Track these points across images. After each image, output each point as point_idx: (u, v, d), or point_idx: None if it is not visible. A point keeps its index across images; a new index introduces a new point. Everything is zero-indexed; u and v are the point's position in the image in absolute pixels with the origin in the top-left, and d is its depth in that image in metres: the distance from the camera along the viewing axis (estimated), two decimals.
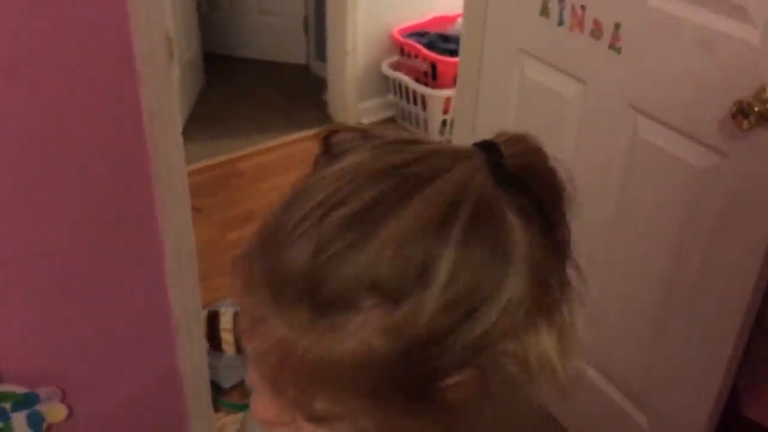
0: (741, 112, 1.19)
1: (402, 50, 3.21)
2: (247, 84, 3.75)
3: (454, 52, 3.03)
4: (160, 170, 1.42)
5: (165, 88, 1.35)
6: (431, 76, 3.11)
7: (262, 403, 0.59)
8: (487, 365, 0.55)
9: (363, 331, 0.50)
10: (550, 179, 0.57)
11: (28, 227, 1.32)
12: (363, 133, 0.56)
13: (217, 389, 1.84)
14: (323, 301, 0.50)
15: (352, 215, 0.50)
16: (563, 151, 1.66)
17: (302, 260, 0.50)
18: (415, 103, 3.21)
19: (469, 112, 1.94)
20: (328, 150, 0.56)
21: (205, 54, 3.68)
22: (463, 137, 1.99)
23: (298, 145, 3.18)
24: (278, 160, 3.07)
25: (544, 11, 1.60)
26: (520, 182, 0.54)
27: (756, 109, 1.17)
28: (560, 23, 1.57)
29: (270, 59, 3.92)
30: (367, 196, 0.50)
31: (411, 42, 3.15)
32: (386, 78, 3.30)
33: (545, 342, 0.55)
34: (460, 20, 3.20)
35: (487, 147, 0.55)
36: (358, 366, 0.51)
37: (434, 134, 3.19)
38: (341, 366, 0.51)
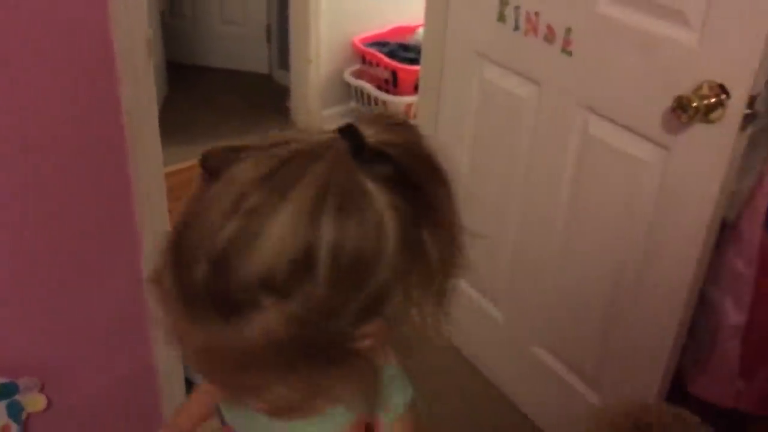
0: (680, 107, 1.30)
1: (364, 59, 3.30)
2: (210, 92, 3.80)
3: (414, 61, 3.15)
4: (138, 169, 1.47)
5: (145, 88, 1.40)
6: (392, 84, 3.21)
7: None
8: (388, 313, 0.65)
9: (268, 324, 0.59)
10: (411, 148, 0.65)
11: (7, 223, 1.36)
12: (234, 148, 0.63)
13: (190, 385, 1.89)
14: (228, 308, 0.59)
15: (238, 229, 0.57)
16: (520, 149, 1.78)
17: (203, 277, 0.58)
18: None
19: (431, 116, 2.03)
20: (208, 171, 0.63)
21: (168, 63, 3.72)
22: None
23: None
24: None
25: (501, 17, 1.71)
26: (380, 155, 0.62)
27: (694, 104, 1.28)
28: (516, 28, 1.68)
29: (233, 68, 3.97)
30: (247, 206, 0.57)
31: (372, 51, 3.25)
32: (348, 85, 3.39)
33: (425, 285, 0.67)
34: (419, 30, 3.32)
35: (348, 131, 0.63)
36: (272, 349, 0.60)
37: None
38: (257, 352, 0.60)
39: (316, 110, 3.40)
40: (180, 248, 0.61)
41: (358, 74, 3.35)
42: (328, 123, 3.41)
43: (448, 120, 1.99)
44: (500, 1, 1.69)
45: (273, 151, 0.61)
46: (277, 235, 0.57)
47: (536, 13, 1.62)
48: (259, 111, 3.62)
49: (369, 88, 3.27)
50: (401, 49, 3.26)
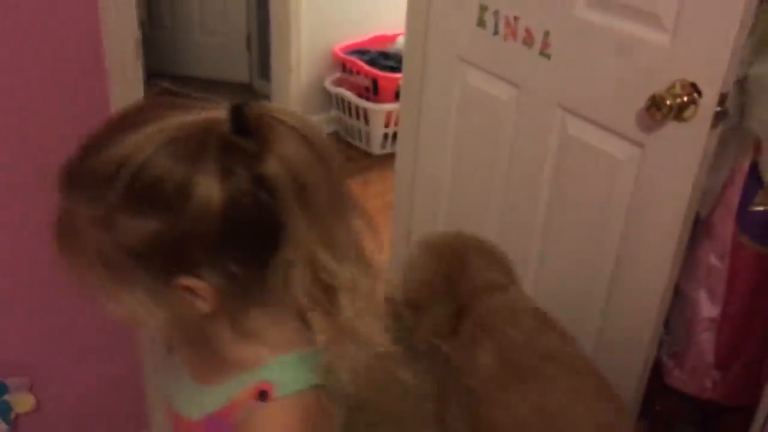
0: (655, 105, 1.36)
1: (344, 67, 3.35)
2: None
3: (394, 69, 3.20)
4: None
5: (134, 87, 1.43)
6: (373, 91, 3.25)
7: None
8: (210, 278, 0.74)
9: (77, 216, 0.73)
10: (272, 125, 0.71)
11: None
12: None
13: None
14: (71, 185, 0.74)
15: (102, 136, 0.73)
16: (500, 151, 1.82)
17: (70, 163, 0.74)
18: (358, 117, 3.34)
19: (413, 120, 2.07)
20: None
21: (148, 74, 3.73)
22: (408, 145, 2.12)
23: None
24: None
25: (481, 22, 1.76)
26: (247, 127, 0.70)
27: (667, 102, 1.34)
28: (495, 33, 1.73)
29: (213, 77, 4.00)
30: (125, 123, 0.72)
31: (353, 59, 3.29)
32: (329, 94, 3.43)
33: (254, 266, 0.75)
34: (400, 39, 3.37)
35: (237, 107, 0.72)
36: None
37: (377, 147, 3.32)
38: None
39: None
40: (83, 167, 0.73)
41: (339, 82, 3.39)
42: None
43: (429, 124, 2.04)
44: (480, 7, 1.74)
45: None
46: (123, 147, 0.69)
47: (515, 18, 1.67)
48: None
49: (349, 95, 3.31)
50: (382, 57, 3.31)
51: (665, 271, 1.52)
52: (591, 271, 1.67)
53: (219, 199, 0.68)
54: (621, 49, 1.46)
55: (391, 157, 2.81)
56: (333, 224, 0.74)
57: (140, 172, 0.68)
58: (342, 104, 3.39)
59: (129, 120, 0.72)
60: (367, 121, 3.31)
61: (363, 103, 3.27)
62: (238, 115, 0.70)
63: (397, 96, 3.19)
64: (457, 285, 1.49)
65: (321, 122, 3.50)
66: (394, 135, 3.27)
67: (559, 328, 1.48)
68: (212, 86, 3.95)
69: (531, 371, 1.37)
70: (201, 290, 0.73)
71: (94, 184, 0.70)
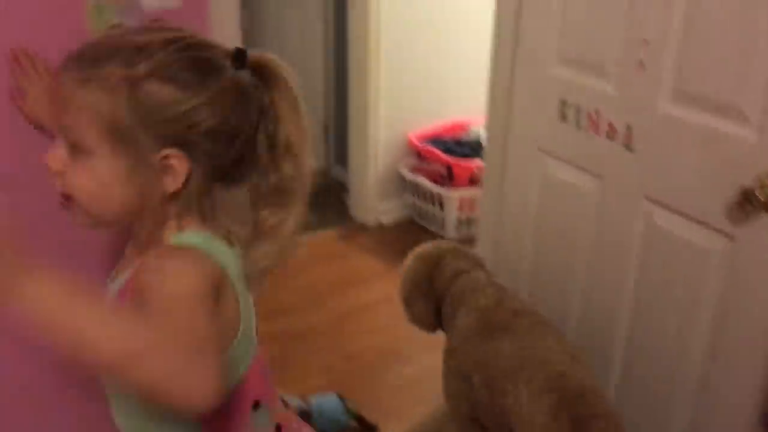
0: (745, 199, 1.37)
1: (420, 154, 3.44)
2: None
3: (468, 156, 3.28)
4: None
5: None
6: (447, 178, 3.33)
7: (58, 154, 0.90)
8: (191, 153, 0.89)
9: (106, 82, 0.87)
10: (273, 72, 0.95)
11: None
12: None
13: None
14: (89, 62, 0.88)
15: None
16: (583, 240, 1.84)
17: (92, 41, 0.91)
18: (433, 203, 3.41)
19: (495, 208, 2.11)
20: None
21: None
22: (490, 232, 2.16)
23: (322, 243, 3.36)
24: (305, 257, 3.22)
25: (563, 117, 1.81)
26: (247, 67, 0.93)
27: (758, 196, 1.34)
28: (578, 127, 1.77)
29: None
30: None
31: (428, 147, 3.38)
32: (404, 180, 3.52)
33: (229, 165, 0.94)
34: (473, 127, 3.47)
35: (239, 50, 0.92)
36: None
37: (451, 231, 3.37)
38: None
39: (373, 204, 3.52)
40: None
41: (415, 169, 3.48)
42: (384, 216, 3.53)
43: (511, 213, 2.07)
44: (560, 102, 1.80)
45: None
46: (164, 32, 0.89)
47: (597, 112, 1.72)
48: (317, 205, 3.72)
49: (425, 182, 3.38)
50: (456, 145, 3.40)
51: (759, 369, 1.48)
52: (679, 368, 1.64)
53: (236, 85, 0.90)
54: (706, 142, 1.48)
55: (464, 241, 2.85)
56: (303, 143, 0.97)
57: (181, 49, 0.87)
58: (417, 190, 3.47)
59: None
60: (441, 206, 3.37)
61: (438, 189, 3.34)
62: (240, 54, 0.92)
63: (471, 182, 3.26)
64: (434, 282, 1.87)
65: (397, 207, 3.59)
66: (468, 220, 3.33)
67: (519, 295, 1.87)
68: None
69: (507, 325, 1.67)
70: (179, 168, 0.88)
71: (139, 49, 0.85)
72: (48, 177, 0.91)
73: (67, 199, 0.91)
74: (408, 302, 1.91)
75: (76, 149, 0.88)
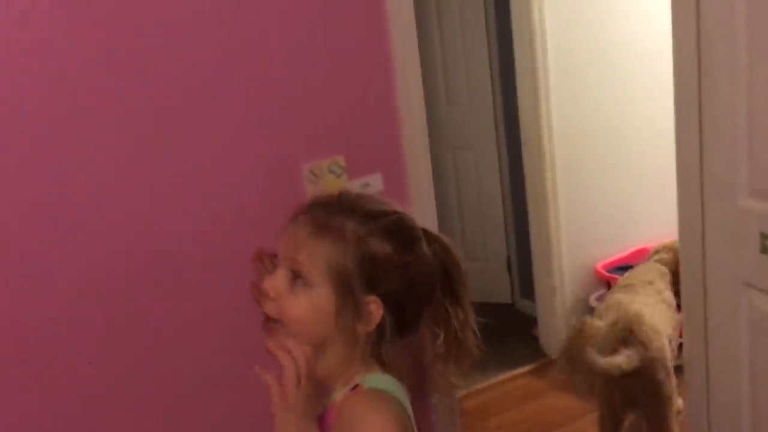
0: None
1: (608, 284, 3.36)
2: None
3: None
4: None
5: None
6: None
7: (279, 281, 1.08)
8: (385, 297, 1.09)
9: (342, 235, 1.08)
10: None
11: None
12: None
13: None
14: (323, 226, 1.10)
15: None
16: None
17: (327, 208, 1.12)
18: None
19: (699, 342, 2.01)
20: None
21: None
22: (698, 384, 2.03)
23: (514, 382, 3.31)
24: (498, 398, 3.19)
25: (765, 250, 1.72)
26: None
27: None
28: None
29: (475, 300, 4.16)
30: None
31: (616, 276, 3.30)
32: (594, 310, 3.42)
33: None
34: None
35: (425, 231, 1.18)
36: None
37: None
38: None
39: (564, 336, 3.44)
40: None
41: (604, 299, 3.38)
42: None
43: (719, 347, 1.96)
44: (761, 235, 1.72)
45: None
46: (387, 205, 1.15)
47: None
48: (505, 340, 3.71)
49: None
50: None
51: None
52: None
53: (427, 254, 1.13)
54: None
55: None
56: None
57: (398, 220, 1.11)
58: None
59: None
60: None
61: None
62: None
63: None
64: None
65: None
66: (682, 346, 3.15)
67: None
68: (476, 308, 4.10)
69: None
70: (376, 313, 1.07)
71: (367, 214, 1.08)
72: (250, 299, 1.16)
73: (272, 320, 1.08)
74: None
75: (300, 280, 1.06)
